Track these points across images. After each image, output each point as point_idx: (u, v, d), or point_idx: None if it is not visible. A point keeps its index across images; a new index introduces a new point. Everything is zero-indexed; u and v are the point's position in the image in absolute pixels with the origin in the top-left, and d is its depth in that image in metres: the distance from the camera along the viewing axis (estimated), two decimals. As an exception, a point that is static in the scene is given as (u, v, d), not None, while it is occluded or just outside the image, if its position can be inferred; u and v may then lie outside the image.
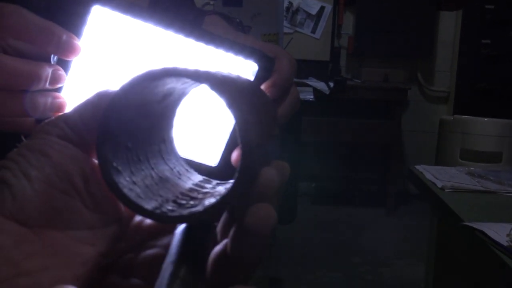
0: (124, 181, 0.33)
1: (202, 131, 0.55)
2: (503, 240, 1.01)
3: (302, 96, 3.27)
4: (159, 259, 0.33)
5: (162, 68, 0.31)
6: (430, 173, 1.58)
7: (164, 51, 0.54)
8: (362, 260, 3.30)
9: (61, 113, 0.35)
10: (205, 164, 0.55)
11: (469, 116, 3.71)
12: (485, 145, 3.59)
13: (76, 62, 0.52)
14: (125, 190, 0.32)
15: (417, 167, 1.68)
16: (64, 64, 0.51)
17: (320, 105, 4.01)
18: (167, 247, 0.34)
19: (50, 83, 0.49)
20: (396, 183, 4.29)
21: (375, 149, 4.67)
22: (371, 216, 4.26)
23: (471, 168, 1.67)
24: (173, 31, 0.53)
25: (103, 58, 0.53)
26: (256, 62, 0.55)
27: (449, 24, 4.65)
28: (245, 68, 0.56)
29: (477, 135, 3.60)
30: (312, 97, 3.31)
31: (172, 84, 0.33)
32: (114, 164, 0.33)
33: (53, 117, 0.35)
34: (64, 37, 0.49)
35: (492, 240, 1.02)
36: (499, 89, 4.37)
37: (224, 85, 0.30)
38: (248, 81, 0.39)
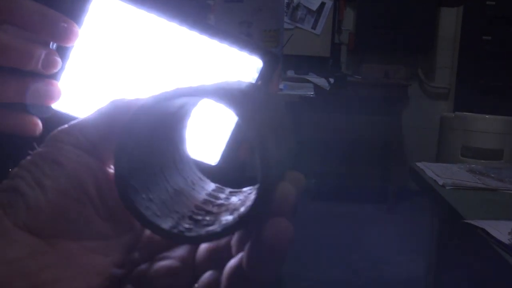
0: (141, 200, 0.32)
1: (203, 129, 0.54)
2: (504, 238, 1.00)
3: (302, 92, 3.27)
4: (173, 270, 0.33)
5: (177, 90, 0.30)
6: (431, 170, 1.58)
7: (167, 44, 0.53)
8: (362, 257, 3.30)
9: (74, 122, 0.35)
10: (205, 162, 0.55)
11: (470, 113, 3.71)
12: (486, 142, 3.58)
13: (76, 51, 0.51)
14: (142, 209, 0.32)
15: (418, 164, 1.67)
16: (62, 52, 0.50)
17: (321, 101, 4.00)
18: (180, 258, 0.34)
19: (44, 67, 0.48)
20: (397, 180, 4.29)
21: (375, 145, 4.66)
22: (371, 212, 4.26)
23: (472, 165, 1.66)
24: (177, 23, 0.52)
25: (104, 48, 0.52)
26: (260, 58, 0.55)
27: (450, 21, 4.65)
28: (249, 64, 0.55)
29: (478, 132, 3.60)
30: (312, 93, 3.31)
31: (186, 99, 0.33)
32: (132, 183, 0.32)
33: (67, 125, 0.34)
34: (61, 22, 0.48)
35: (494, 238, 1.02)
36: (500, 85, 4.36)
37: (239, 101, 0.30)
38: (261, 88, 0.38)
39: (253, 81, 0.55)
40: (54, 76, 0.50)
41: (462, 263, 1.46)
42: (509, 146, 3.55)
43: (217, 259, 0.33)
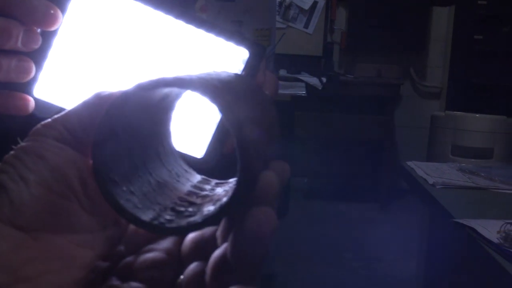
0: (121, 192, 0.32)
1: (188, 122, 0.54)
2: (493, 237, 1.01)
3: (294, 91, 3.27)
4: (158, 262, 0.33)
5: (156, 80, 0.30)
6: (421, 169, 1.58)
7: (153, 33, 0.53)
8: (354, 256, 3.31)
9: (58, 115, 0.35)
10: (191, 155, 0.55)
11: (460, 112, 3.71)
12: (476, 141, 3.59)
13: (60, 39, 0.51)
14: (122, 202, 0.32)
15: (409, 163, 1.68)
16: (45, 39, 0.50)
17: (313, 100, 4.01)
18: (166, 250, 0.34)
19: (24, 44, 0.48)
20: (389, 179, 4.30)
21: (368, 144, 4.66)
22: (364, 211, 4.27)
23: (462, 165, 1.67)
24: (163, 12, 0.52)
25: (89, 37, 0.52)
26: (247, 49, 0.55)
27: (442, 20, 4.66)
28: (235, 54, 0.55)
29: (469, 131, 3.60)
30: (304, 92, 3.30)
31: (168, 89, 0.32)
32: (111, 175, 0.32)
33: (50, 119, 0.34)
34: (43, 6, 0.48)
35: (482, 237, 1.02)
36: (492, 84, 4.37)
37: (218, 92, 0.30)
38: (245, 80, 0.38)
39: (239, 72, 0.55)
40: (38, 65, 0.50)
41: (452, 262, 1.46)
42: (499, 145, 3.56)
43: (203, 250, 0.33)
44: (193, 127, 0.55)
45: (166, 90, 0.33)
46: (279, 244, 3.27)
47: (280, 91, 2.67)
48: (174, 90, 0.33)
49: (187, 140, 0.55)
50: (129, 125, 0.33)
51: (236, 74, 0.36)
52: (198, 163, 0.54)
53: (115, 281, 0.34)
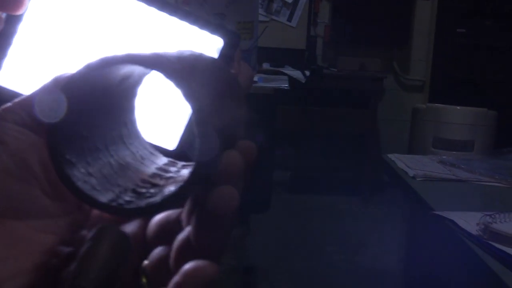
0: (78, 173, 0.31)
1: (160, 113, 0.53)
2: (472, 229, 1.00)
3: (277, 84, 3.26)
4: None
5: (105, 58, 0.29)
6: (402, 161, 1.58)
7: (123, 20, 0.52)
8: (336, 249, 3.31)
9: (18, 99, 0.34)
10: (163, 147, 0.54)
11: (441, 105, 3.73)
12: (457, 134, 3.61)
13: (27, 26, 0.50)
14: (79, 183, 0.31)
15: (389, 155, 1.67)
16: (11, 24, 0.49)
17: (296, 93, 4.00)
18: (130, 234, 0.33)
19: None
20: (372, 172, 4.31)
21: (351, 137, 4.67)
22: (346, 204, 4.28)
23: (443, 157, 1.67)
24: None
25: (56, 24, 0.51)
26: (221, 37, 0.54)
27: (425, 13, 4.67)
28: (209, 43, 0.54)
29: (450, 124, 3.62)
30: (287, 85, 3.29)
31: (129, 67, 0.31)
32: (67, 156, 0.31)
33: (10, 103, 0.34)
34: None
35: (462, 229, 1.02)
36: (474, 78, 4.40)
37: (179, 71, 0.29)
38: (210, 60, 0.37)
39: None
40: (2, 51, 0.49)
41: (433, 254, 1.46)
42: (479, 138, 3.58)
43: (168, 234, 0.33)
44: (166, 118, 0.54)
45: (126, 70, 0.32)
46: (261, 238, 3.27)
47: (263, 85, 2.67)
48: (135, 70, 0.33)
49: (159, 131, 0.53)
50: (85, 105, 0.32)
51: (201, 53, 0.35)
52: (171, 156, 0.53)
53: None
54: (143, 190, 0.33)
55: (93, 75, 0.30)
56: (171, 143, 0.54)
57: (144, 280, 0.33)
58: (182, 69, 0.29)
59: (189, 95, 0.28)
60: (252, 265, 2.98)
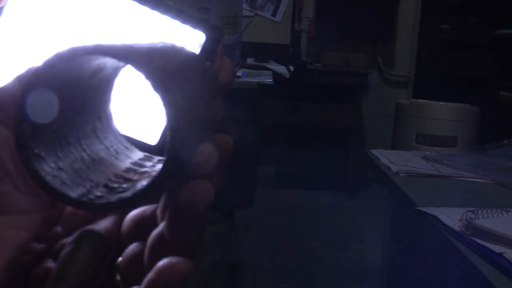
0: (48, 168, 0.31)
1: (143, 108, 0.52)
2: (455, 225, 1.00)
3: (261, 79, 3.25)
4: None
5: (74, 48, 0.28)
6: (386, 157, 1.58)
7: (103, 14, 0.51)
8: (321, 244, 3.32)
9: None
10: (145, 142, 0.53)
11: (425, 100, 3.74)
12: (440, 129, 3.62)
13: (6, 20, 0.49)
14: (48, 178, 0.30)
15: (373, 151, 1.67)
16: None
17: (280, 89, 4.00)
18: (105, 230, 0.33)
19: None
20: (356, 168, 4.32)
21: (335, 133, 4.68)
22: (331, 200, 4.29)
23: (427, 153, 1.66)
24: None
25: (38, 16, 0.50)
26: (204, 32, 0.53)
27: (409, 9, 4.69)
28: (191, 38, 0.53)
29: (433, 119, 3.63)
30: (271, 80, 3.29)
31: (101, 59, 0.31)
32: (36, 151, 0.30)
33: None
34: None
35: (445, 225, 1.02)
36: (458, 74, 4.42)
37: (148, 62, 0.28)
38: (183, 52, 0.36)
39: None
40: None
41: (416, 250, 1.47)
42: (463, 133, 3.60)
43: (143, 230, 0.32)
44: (147, 113, 0.53)
45: (98, 62, 0.31)
46: (245, 233, 3.27)
47: (247, 79, 2.65)
48: (108, 62, 0.32)
49: (141, 126, 0.53)
50: (55, 98, 0.31)
51: (173, 44, 0.34)
52: (153, 151, 0.53)
53: (50, 263, 0.33)
54: (116, 185, 0.32)
55: (63, 66, 0.29)
56: (153, 138, 0.54)
57: (118, 277, 0.32)
58: (152, 61, 0.28)
59: (159, 87, 0.27)
60: (236, 261, 2.98)
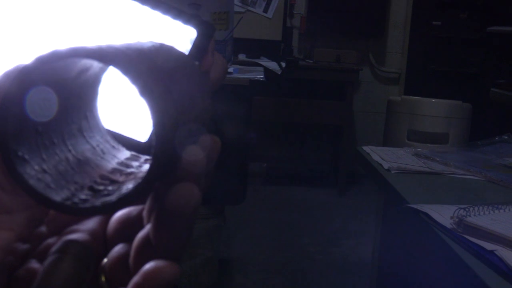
0: (32, 171, 0.30)
1: (132, 104, 0.51)
2: (446, 222, 1.00)
3: (253, 76, 3.24)
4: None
5: (52, 52, 0.28)
6: (377, 154, 1.57)
7: (93, 9, 0.50)
8: (312, 240, 3.32)
9: None
10: (135, 139, 0.52)
11: (416, 97, 3.75)
12: (432, 126, 3.63)
13: None
14: (32, 182, 0.29)
15: (364, 148, 1.67)
16: None
17: (272, 85, 3.99)
18: (90, 231, 0.33)
19: None
20: (347, 164, 4.33)
21: (327, 129, 4.69)
22: (322, 196, 4.29)
23: (418, 149, 1.66)
24: None
25: (28, 14, 0.49)
26: (195, 28, 0.52)
27: (400, 5, 4.69)
28: (182, 34, 0.52)
29: (424, 116, 3.64)
30: (263, 77, 3.28)
31: (86, 60, 0.30)
32: (19, 153, 0.30)
33: None
34: None
35: (436, 223, 1.02)
36: (450, 70, 4.43)
37: (136, 67, 0.27)
38: (172, 52, 0.35)
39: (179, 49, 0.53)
40: None
41: (407, 247, 1.46)
42: (454, 130, 3.60)
43: (129, 231, 0.32)
44: (137, 109, 0.52)
45: (83, 62, 0.30)
46: (236, 230, 3.26)
47: (239, 76, 2.65)
48: (94, 62, 0.31)
49: (131, 123, 0.52)
50: (41, 99, 0.31)
51: (162, 44, 0.33)
52: (143, 147, 0.52)
53: (34, 264, 0.33)
54: (101, 187, 0.31)
55: (46, 68, 0.29)
56: (143, 135, 0.53)
57: (103, 279, 0.32)
58: (138, 64, 0.28)
59: (145, 93, 0.27)
60: (227, 257, 2.97)
